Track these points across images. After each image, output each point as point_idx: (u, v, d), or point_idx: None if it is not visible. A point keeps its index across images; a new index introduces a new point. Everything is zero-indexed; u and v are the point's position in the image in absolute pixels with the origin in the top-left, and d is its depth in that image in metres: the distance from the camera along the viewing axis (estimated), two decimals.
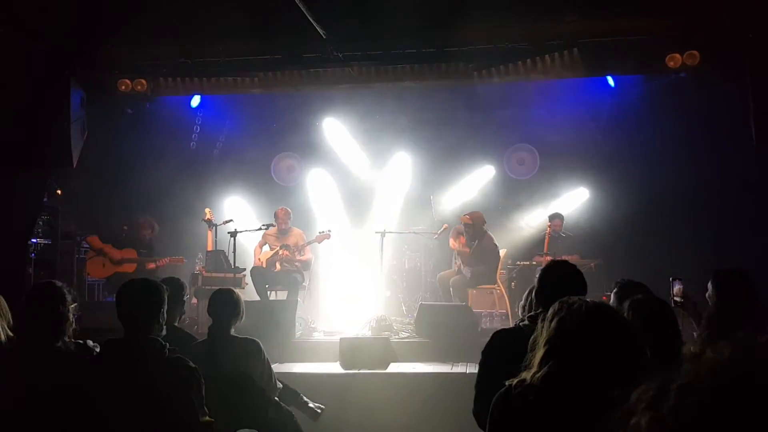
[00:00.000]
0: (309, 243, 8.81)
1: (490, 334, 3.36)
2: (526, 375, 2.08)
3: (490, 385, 2.86)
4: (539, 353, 2.07)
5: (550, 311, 2.13)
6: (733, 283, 4.25)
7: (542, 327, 2.13)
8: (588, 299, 2.17)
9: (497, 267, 8.46)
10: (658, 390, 0.92)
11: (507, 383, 2.12)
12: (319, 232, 8.78)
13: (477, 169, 10.42)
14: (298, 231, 8.99)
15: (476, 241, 8.39)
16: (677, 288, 4.33)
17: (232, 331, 4.42)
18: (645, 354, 2.08)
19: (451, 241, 8.82)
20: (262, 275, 8.52)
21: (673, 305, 4.11)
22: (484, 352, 3.25)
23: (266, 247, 8.92)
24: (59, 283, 3.50)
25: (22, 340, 3.35)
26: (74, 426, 2.85)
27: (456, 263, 8.66)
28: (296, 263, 8.72)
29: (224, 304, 4.45)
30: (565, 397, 1.98)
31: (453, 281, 8.30)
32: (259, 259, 8.86)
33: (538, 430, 2.03)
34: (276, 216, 8.83)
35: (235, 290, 4.62)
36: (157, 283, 3.13)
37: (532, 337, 2.16)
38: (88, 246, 8.88)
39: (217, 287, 7.89)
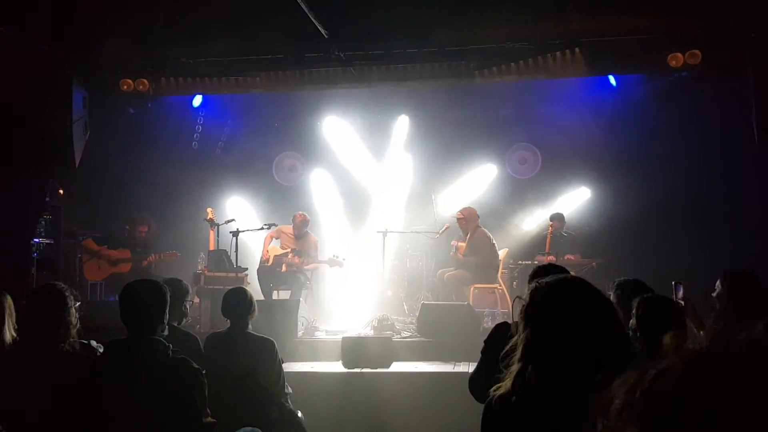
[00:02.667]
0: (320, 262, 8.83)
1: None
2: (506, 382, 2.02)
3: (487, 366, 3.21)
4: (516, 354, 2.01)
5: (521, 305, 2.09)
6: (743, 282, 4.25)
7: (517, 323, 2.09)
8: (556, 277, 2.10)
9: (494, 262, 8.46)
10: (638, 376, 0.94)
11: (491, 392, 2.07)
12: (334, 256, 8.76)
13: (479, 166, 10.41)
14: (314, 239, 9.01)
15: (468, 235, 8.47)
16: (681, 291, 4.33)
17: (249, 328, 4.57)
18: (624, 330, 2.03)
19: (452, 255, 8.83)
20: (267, 274, 8.53)
21: None
22: (486, 341, 3.42)
23: (276, 242, 8.93)
24: (61, 285, 3.50)
25: (26, 342, 3.35)
26: (78, 427, 2.85)
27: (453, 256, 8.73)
28: (302, 268, 8.73)
29: (238, 303, 4.58)
30: (544, 391, 1.92)
31: (448, 276, 8.34)
32: (267, 251, 8.86)
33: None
34: (293, 220, 8.87)
35: (247, 289, 4.78)
36: (160, 285, 3.13)
37: (511, 341, 2.09)
38: (84, 250, 8.97)
39: (220, 287, 7.99)
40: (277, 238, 8.97)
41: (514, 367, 2.00)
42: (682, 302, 4.27)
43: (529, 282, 3.19)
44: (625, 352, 1.94)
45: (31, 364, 3.22)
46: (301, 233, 8.90)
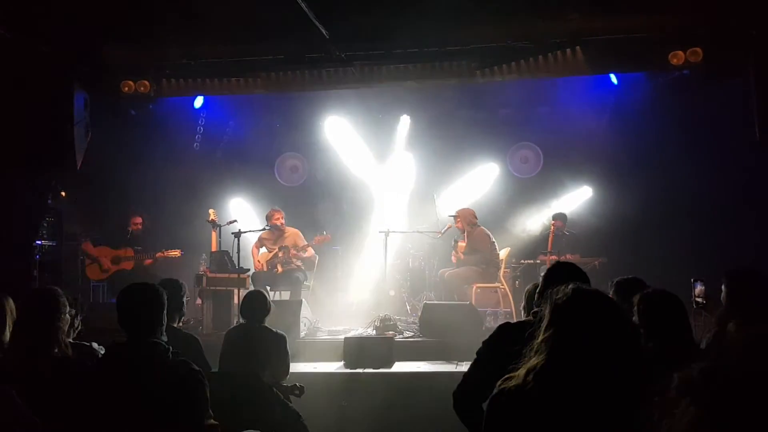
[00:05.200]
0: (307, 245, 8.81)
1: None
2: (519, 373, 2.03)
3: (482, 374, 2.96)
4: (534, 350, 2.04)
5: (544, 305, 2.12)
6: (743, 282, 4.21)
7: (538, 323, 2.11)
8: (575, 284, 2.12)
9: (495, 260, 8.45)
10: (704, 374, 0.95)
11: (499, 384, 2.08)
12: (318, 234, 8.76)
13: (480, 165, 10.42)
14: (294, 230, 8.95)
15: (466, 234, 8.50)
16: (699, 289, 4.26)
17: (265, 323, 5.03)
18: (639, 339, 2.06)
19: (453, 255, 8.82)
20: (264, 279, 8.51)
21: (694, 306, 4.03)
22: (485, 342, 3.22)
23: (263, 249, 8.93)
24: (55, 289, 3.51)
25: (17, 347, 3.35)
26: (75, 430, 2.85)
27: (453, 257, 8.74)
28: (298, 263, 8.72)
29: (257, 306, 5.05)
30: (561, 389, 1.94)
31: (450, 274, 8.34)
32: (259, 260, 8.86)
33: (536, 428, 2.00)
34: (270, 217, 8.83)
35: (265, 293, 5.29)
36: (156, 287, 3.11)
37: (528, 332, 2.11)
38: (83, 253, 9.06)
39: (222, 288, 8.00)
40: (261, 247, 8.96)
41: (532, 361, 2.01)
42: (701, 300, 4.19)
43: (547, 277, 3.08)
44: (639, 358, 1.97)
45: (21, 368, 3.21)
46: (279, 229, 8.85)
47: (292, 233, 8.89)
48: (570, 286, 2.07)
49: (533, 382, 1.97)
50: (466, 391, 3.06)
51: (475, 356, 3.20)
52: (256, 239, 9.01)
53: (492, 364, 2.94)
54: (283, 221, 8.88)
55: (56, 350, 3.30)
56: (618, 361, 1.93)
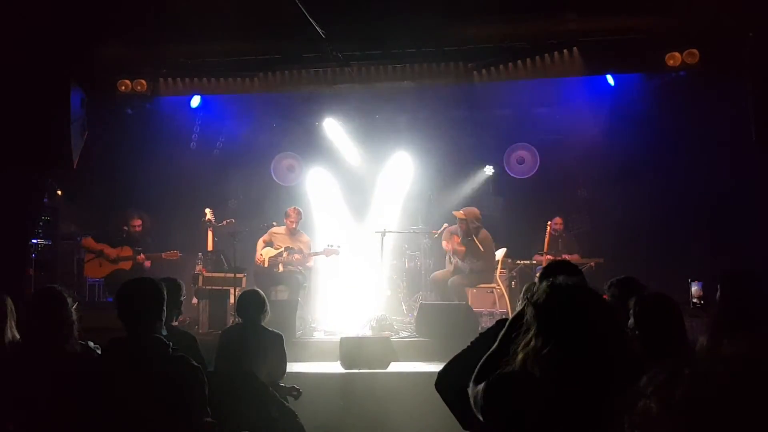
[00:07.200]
0: (316, 254, 8.81)
1: None
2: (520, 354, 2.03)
3: (472, 361, 2.88)
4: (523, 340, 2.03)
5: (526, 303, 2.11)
6: (736, 284, 4.20)
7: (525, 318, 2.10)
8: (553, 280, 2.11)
9: (495, 263, 8.44)
10: (669, 375, 0.95)
11: (497, 373, 2.08)
12: (328, 245, 8.75)
13: (478, 170, 10.42)
14: (306, 238, 9.01)
15: (470, 237, 8.37)
16: (696, 289, 4.21)
17: (262, 322, 4.98)
18: (625, 335, 2.05)
19: (444, 243, 8.76)
20: (265, 276, 8.51)
21: (691, 307, 3.97)
22: (482, 333, 3.26)
23: (269, 245, 8.92)
24: (59, 287, 3.53)
25: (30, 343, 3.37)
26: (79, 425, 2.85)
27: (451, 263, 8.64)
28: (299, 266, 8.72)
29: (252, 304, 4.98)
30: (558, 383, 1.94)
31: (451, 281, 8.28)
32: (261, 254, 8.84)
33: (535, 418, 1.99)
34: (287, 215, 8.84)
35: (259, 290, 5.20)
36: (156, 281, 3.14)
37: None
38: (84, 248, 8.97)
39: (218, 287, 7.99)
40: (269, 242, 8.95)
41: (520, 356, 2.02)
42: (698, 301, 4.15)
43: (541, 278, 3.10)
44: (626, 358, 1.96)
45: (37, 364, 3.23)
46: (295, 229, 8.87)
47: (304, 240, 8.92)
48: (544, 284, 2.06)
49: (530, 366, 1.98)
50: (453, 373, 3.07)
51: (469, 344, 3.19)
52: (266, 234, 8.98)
53: (483, 352, 2.99)
54: (300, 222, 8.93)
55: (67, 345, 3.33)
56: (607, 361, 1.91)
